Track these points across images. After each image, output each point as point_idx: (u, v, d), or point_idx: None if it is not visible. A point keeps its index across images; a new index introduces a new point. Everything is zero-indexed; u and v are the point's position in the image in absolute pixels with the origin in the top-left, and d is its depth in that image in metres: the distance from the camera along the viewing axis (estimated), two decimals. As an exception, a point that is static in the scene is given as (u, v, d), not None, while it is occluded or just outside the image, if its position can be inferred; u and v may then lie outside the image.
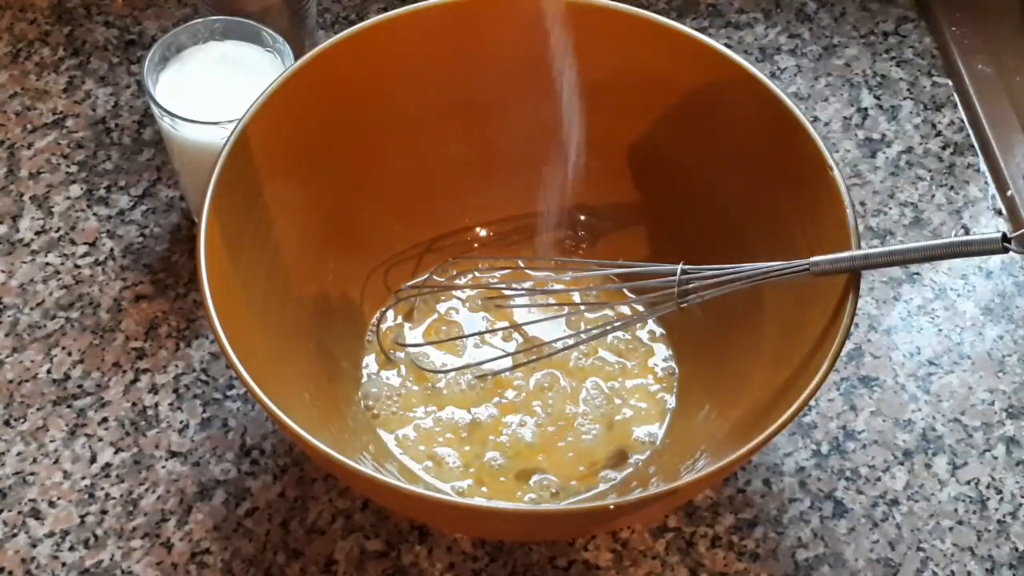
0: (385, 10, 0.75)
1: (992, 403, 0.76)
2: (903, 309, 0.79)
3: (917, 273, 0.81)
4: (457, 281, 0.78)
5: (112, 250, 0.80)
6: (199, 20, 0.77)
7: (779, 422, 0.60)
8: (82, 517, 0.71)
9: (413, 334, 0.76)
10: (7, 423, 0.73)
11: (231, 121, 0.69)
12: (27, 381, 0.75)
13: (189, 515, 0.71)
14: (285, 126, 0.70)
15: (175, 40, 0.76)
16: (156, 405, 0.74)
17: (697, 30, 0.73)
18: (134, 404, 0.74)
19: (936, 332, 0.79)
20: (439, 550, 0.70)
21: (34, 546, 0.70)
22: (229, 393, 0.75)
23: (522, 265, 0.79)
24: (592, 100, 0.76)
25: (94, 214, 0.82)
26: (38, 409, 0.74)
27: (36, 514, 0.71)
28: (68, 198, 0.82)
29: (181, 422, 0.74)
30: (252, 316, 0.68)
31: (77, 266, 0.79)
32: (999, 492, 0.73)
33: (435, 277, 0.78)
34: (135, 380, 0.75)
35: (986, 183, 0.85)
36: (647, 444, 0.72)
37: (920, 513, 0.72)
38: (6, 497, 0.71)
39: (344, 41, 0.72)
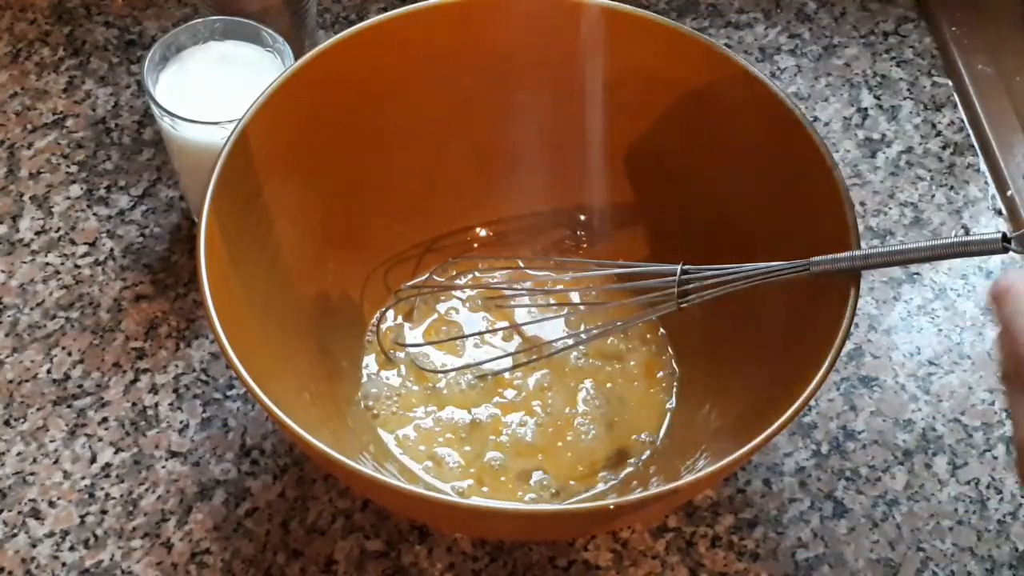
0: (385, 10, 0.75)
1: (992, 403, 0.76)
2: (903, 309, 0.79)
3: (917, 273, 0.81)
4: (457, 281, 0.78)
5: (112, 250, 0.80)
6: (199, 20, 0.77)
7: (779, 422, 0.60)
8: (82, 517, 0.71)
9: (413, 334, 0.76)
10: (7, 423, 0.73)
11: (231, 121, 0.69)
12: (27, 381, 0.75)
13: (189, 515, 0.71)
14: (285, 126, 0.70)
15: (175, 40, 0.76)
16: (156, 405, 0.74)
17: (697, 30, 0.73)
18: (134, 404, 0.74)
19: (936, 332, 0.79)
20: (439, 550, 0.70)
21: (34, 546, 0.70)
22: (229, 393, 0.75)
23: (522, 265, 0.79)
24: (592, 100, 0.76)
25: (94, 214, 0.82)
26: (38, 409, 0.74)
27: (36, 514, 0.71)
28: (68, 198, 0.82)
29: (181, 422, 0.74)
30: (252, 316, 0.68)
31: (77, 266, 0.79)
32: (999, 492, 0.73)
33: (435, 277, 0.78)
34: (135, 380, 0.75)
35: (986, 183, 0.85)
36: (647, 444, 0.72)
37: (920, 513, 0.72)
38: (6, 497, 0.71)
39: (344, 41, 0.72)
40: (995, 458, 0.74)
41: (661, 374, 0.75)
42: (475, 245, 0.79)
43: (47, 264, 0.79)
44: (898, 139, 0.87)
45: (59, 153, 0.84)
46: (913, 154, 0.86)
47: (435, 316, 0.77)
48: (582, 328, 0.76)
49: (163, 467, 0.72)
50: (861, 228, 0.66)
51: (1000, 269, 0.81)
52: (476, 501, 0.69)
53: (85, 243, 0.80)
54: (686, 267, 0.68)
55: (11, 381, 0.75)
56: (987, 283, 0.80)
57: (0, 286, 0.79)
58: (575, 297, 0.78)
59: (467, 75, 0.75)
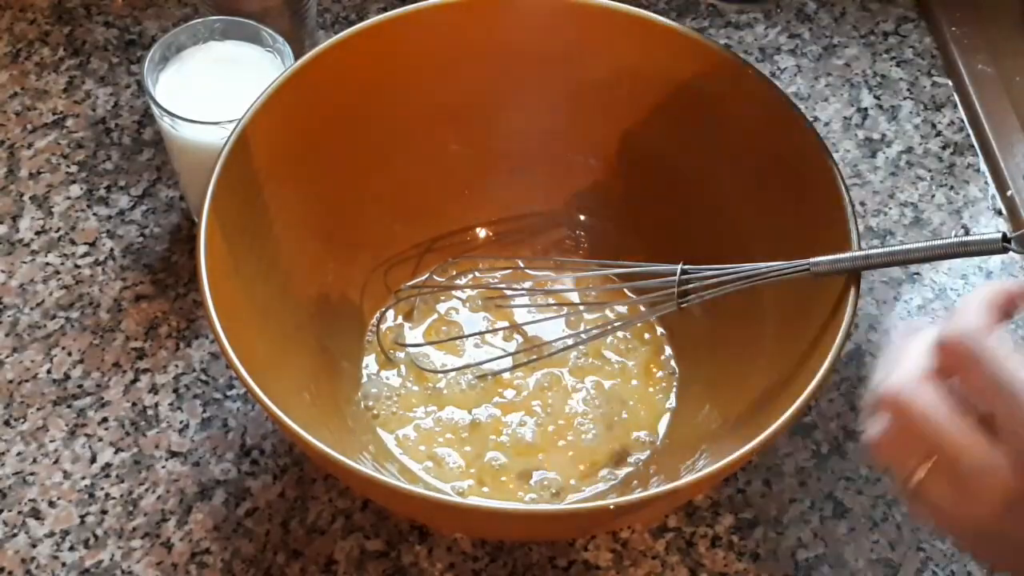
0: (385, 10, 0.75)
1: (992, 403, 0.76)
2: (903, 309, 0.79)
3: (917, 273, 0.81)
4: (457, 281, 0.78)
5: (112, 250, 0.80)
6: (199, 20, 0.77)
7: (780, 422, 0.59)
8: (82, 517, 0.71)
9: (413, 334, 0.76)
10: (7, 423, 0.73)
11: (231, 121, 0.69)
12: (27, 381, 0.75)
13: (189, 515, 0.71)
14: (285, 126, 0.70)
15: (175, 40, 0.76)
16: (156, 405, 0.74)
17: (697, 30, 0.73)
18: (134, 404, 0.74)
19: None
20: (439, 550, 0.70)
21: (34, 546, 0.70)
22: (229, 393, 0.75)
23: (522, 265, 0.79)
24: (592, 100, 0.76)
25: (94, 214, 0.82)
26: (38, 409, 0.74)
27: (36, 514, 0.71)
28: (68, 198, 0.82)
29: (181, 422, 0.74)
30: (252, 316, 0.68)
31: (77, 266, 0.79)
32: (999, 492, 0.73)
33: (435, 277, 0.78)
34: (135, 380, 0.75)
35: (986, 183, 0.85)
36: (647, 444, 0.72)
37: (920, 513, 0.72)
38: (6, 497, 0.71)
39: (344, 41, 0.72)
40: (995, 458, 0.74)
41: (661, 374, 0.75)
42: (475, 245, 0.79)
43: (47, 264, 0.79)
44: (898, 139, 0.87)
45: (59, 153, 0.84)
46: (913, 154, 0.86)
47: (435, 316, 0.77)
48: (582, 328, 0.76)
49: (163, 467, 0.72)
50: (861, 228, 0.66)
51: (1000, 269, 0.81)
52: (476, 501, 0.69)
53: (85, 243, 0.80)
54: (686, 267, 0.68)
55: (11, 381, 0.75)
56: (987, 283, 0.80)
57: (0, 286, 0.79)
58: (575, 297, 0.78)
59: (467, 75, 0.75)
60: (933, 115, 0.88)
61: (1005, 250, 0.61)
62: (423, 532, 0.70)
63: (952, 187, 0.85)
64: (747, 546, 0.70)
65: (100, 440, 0.73)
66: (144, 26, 0.90)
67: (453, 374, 0.74)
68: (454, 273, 0.78)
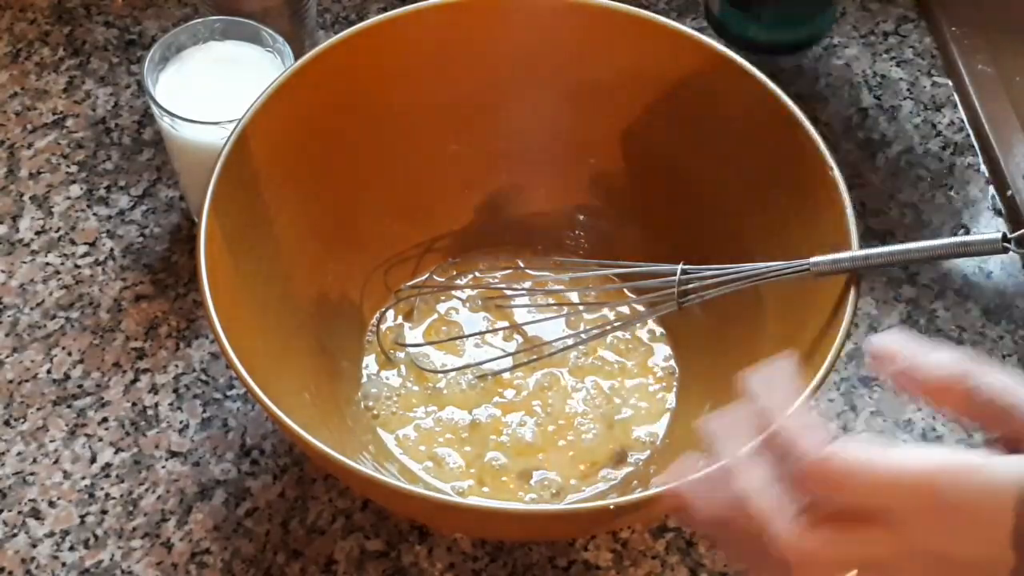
0: (385, 10, 0.75)
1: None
2: (903, 309, 0.79)
3: (917, 273, 0.81)
4: (457, 281, 0.78)
5: (112, 250, 0.80)
6: (199, 20, 0.77)
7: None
8: (82, 517, 0.71)
9: (413, 334, 0.76)
10: (7, 423, 0.73)
11: (231, 121, 0.69)
12: (27, 381, 0.75)
13: (189, 515, 0.71)
14: (285, 126, 0.70)
15: (175, 40, 0.76)
16: (156, 405, 0.74)
17: (697, 30, 0.73)
18: (134, 404, 0.74)
19: (936, 332, 0.78)
20: (439, 550, 0.70)
21: (34, 546, 0.70)
22: (229, 393, 0.75)
23: (522, 265, 0.79)
24: (592, 100, 0.76)
25: (94, 214, 0.82)
26: (38, 409, 0.74)
27: (36, 514, 0.71)
28: (68, 198, 0.82)
29: (181, 422, 0.74)
30: (252, 316, 0.68)
31: (77, 266, 0.79)
32: (999, 492, 0.73)
33: (435, 277, 0.78)
34: (135, 380, 0.75)
35: (986, 183, 0.85)
36: (647, 444, 0.72)
37: (920, 513, 0.72)
38: (6, 497, 0.71)
39: (344, 41, 0.72)
40: (995, 458, 0.74)
41: (661, 373, 0.75)
42: (475, 245, 0.79)
43: (47, 264, 0.79)
44: (898, 139, 0.87)
45: (59, 153, 0.84)
46: (913, 154, 0.86)
47: (435, 316, 0.77)
48: (582, 328, 0.76)
49: (163, 467, 0.72)
50: (861, 228, 0.66)
51: (1000, 269, 0.81)
52: (476, 501, 0.69)
53: (85, 243, 0.80)
54: (686, 267, 0.68)
55: (11, 381, 0.75)
56: (987, 283, 0.80)
57: (0, 286, 0.79)
58: (575, 297, 0.78)
59: (467, 75, 0.75)
60: (933, 115, 0.88)
61: (1005, 250, 0.61)
62: (423, 532, 0.70)
63: (952, 187, 0.85)
64: (747, 546, 0.70)
65: (100, 440, 0.73)
66: (144, 26, 0.90)
67: (453, 374, 0.74)
68: (454, 273, 0.78)
